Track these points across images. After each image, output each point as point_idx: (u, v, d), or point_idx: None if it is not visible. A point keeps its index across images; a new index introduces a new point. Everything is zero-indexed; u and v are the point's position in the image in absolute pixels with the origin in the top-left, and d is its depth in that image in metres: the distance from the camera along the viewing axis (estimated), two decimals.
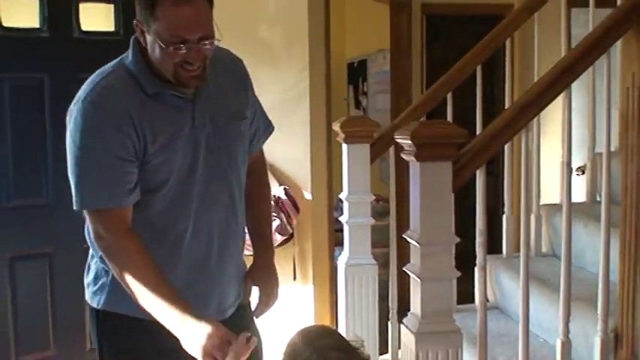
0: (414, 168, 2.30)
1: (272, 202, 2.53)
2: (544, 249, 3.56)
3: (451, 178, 2.28)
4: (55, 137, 4.08)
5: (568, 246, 2.49)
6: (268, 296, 2.27)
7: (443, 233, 2.29)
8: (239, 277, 2.22)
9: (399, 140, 2.34)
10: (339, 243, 3.43)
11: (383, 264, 3.35)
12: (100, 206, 1.95)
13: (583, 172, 3.75)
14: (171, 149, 1.97)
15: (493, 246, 3.60)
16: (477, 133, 3.06)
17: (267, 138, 2.33)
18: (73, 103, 1.96)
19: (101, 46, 4.19)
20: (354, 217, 3.20)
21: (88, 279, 2.21)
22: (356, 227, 3.20)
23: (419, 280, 2.27)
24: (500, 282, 3.40)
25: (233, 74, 2.17)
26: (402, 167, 2.58)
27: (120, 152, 1.91)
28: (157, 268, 1.94)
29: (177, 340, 1.88)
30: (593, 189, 3.53)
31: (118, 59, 2.04)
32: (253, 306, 2.27)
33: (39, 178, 4.07)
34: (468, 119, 3.46)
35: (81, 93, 1.96)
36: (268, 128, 2.32)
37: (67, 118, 1.96)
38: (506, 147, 3.24)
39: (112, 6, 4.22)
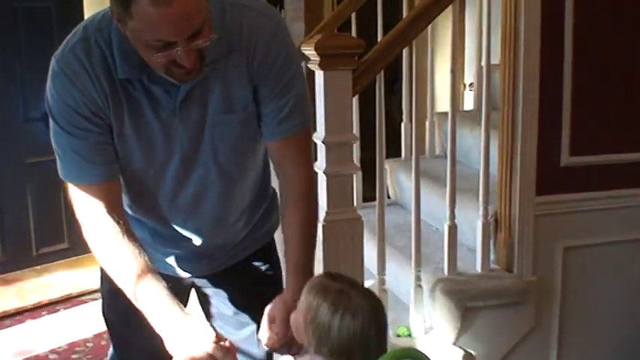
0: (319, 76, 2.32)
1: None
2: (437, 151, 3.64)
3: (351, 85, 2.31)
4: None
5: (453, 141, 2.57)
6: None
7: (344, 133, 2.32)
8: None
9: (305, 52, 2.34)
10: None
11: None
12: (64, 177, 1.56)
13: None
14: (140, 137, 1.55)
15: (396, 152, 3.66)
16: None
17: (293, 133, 1.62)
18: (56, 52, 1.52)
19: None
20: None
21: None
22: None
23: (324, 176, 2.32)
24: (399, 181, 3.47)
25: (243, 50, 1.53)
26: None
27: (85, 125, 1.49)
28: (139, 256, 1.53)
29: None
30: (479, 98, 3.60)
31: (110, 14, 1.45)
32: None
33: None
34: (372, 43, 3.45)
35: (62, 45, 1.52)
36: (295, 124, 1.62)
37: None
38: (405, 64, 3.29)
39: None
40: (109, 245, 1.55)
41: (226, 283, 1.87)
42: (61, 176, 1.57)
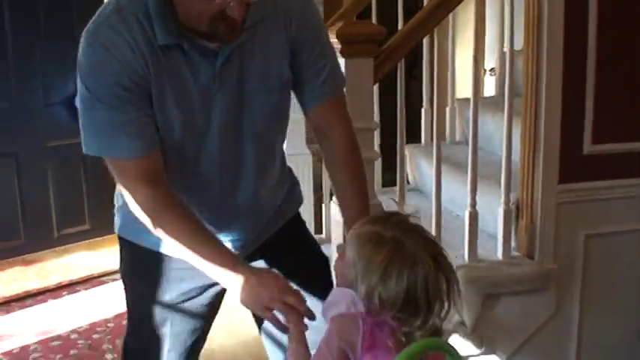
0: (340, 64, 2.30)
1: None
2: (458, 138, 3.61)
3: (372, 72, 2.31)
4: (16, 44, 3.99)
5: (475, 127, 2.54)
6: None
7: (366, 120, 2.32)
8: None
9: None
10: None
11: (319, 158, 3.35)
12: (102, 154, 1.55)
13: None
14: (180, 104, 1.54)
15: (416, 138, 3.64)
16: None
17: (334, 94, 1.71)
18: (87, 27, 1.50)
19: None
20: None
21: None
22: None
23: None
24: (419, 167, 3.46)
25: (280, 17, 1.59)
26: None
27: (125, 96, 1.48)
28: (192, 220, 1.59)
29: (194, 274, 1.63)
30: (501, 84, 3.56)
31: None
32: None
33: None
34: (393, 29, 3.42)
35: (92, 21, 1.50)
36: (334, 85, 1.71)
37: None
38: (425, 49, 3.26)
39: None
40: (161, 211, 1.56)
41: (264, 259, 1.85)
42: (92, 153, 1.55)
